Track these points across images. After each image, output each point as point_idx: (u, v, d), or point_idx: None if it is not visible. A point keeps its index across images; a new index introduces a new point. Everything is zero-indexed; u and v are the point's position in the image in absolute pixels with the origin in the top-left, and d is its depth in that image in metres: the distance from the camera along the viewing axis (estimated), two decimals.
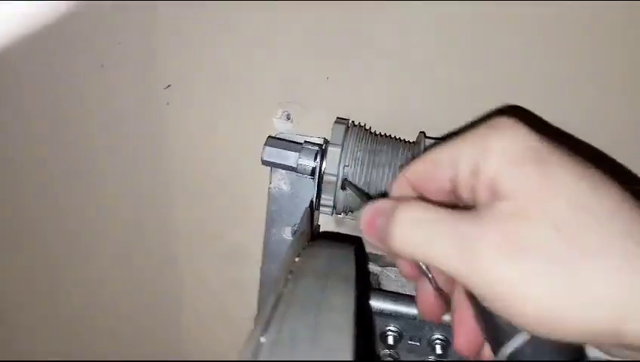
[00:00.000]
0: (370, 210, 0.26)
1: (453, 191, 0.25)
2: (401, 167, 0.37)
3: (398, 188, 0.27)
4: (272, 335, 0.22)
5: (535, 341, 0.23)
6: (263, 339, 0.22)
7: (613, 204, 0.22)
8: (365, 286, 0.31)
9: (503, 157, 0.23)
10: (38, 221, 0.50)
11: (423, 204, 0.24)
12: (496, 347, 0.25)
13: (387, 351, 0.39)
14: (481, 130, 0.24)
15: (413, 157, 0.38)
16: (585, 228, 0.21)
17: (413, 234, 0.24)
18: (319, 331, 0.22)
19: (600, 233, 0.21)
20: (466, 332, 0.26)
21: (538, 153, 0.22)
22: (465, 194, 0.25)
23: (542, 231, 0.21)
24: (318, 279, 0.26)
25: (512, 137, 0.23)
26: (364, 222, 0.26)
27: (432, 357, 0.39)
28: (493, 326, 0.24)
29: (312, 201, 0.40)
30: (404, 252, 0.24)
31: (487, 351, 0.26)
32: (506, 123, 0.23)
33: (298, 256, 0.30)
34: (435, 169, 0.25)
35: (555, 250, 0.21)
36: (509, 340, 0.24)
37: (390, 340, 0.39)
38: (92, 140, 0.46)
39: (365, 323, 0.36)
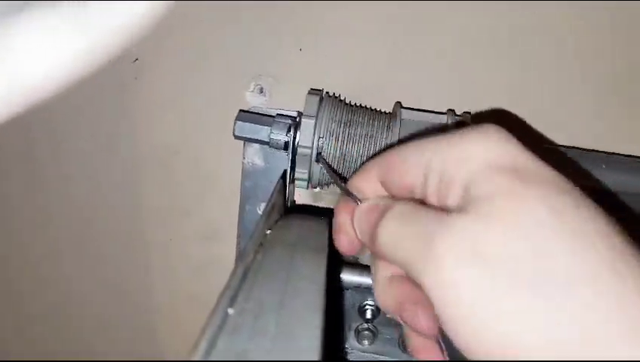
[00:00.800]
0: (367, 205, 0.25)
1: (420, 190, 0.23)
2: (371, 137, 0.37)
3: (365, 177, 0.26)
4: (240, 305, 0.21)
5: None
6: (230, 311, 0.21)
7: (597, 226, 0.19)
8: (337, 258, 0.30)
9: (482, 161, 0.21)
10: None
11: (410, 204, 0.23)
12: None
13: (365, 325, 0.39)
14: (458, 135, 0.22)
15: (389, 128, 0.37)
16: (563, 250, 0.18)
17: (389, 232, 0.22)
18: (287, 298, 0.21)
19: (583, 258, 0.18)
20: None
21: (519, 161, 0.20)
22: (432, 197, 0.23)
23: (510, 241, 0.18)
24: (288, 249, 0.26)
25: (494, 144, 0.21)
26: (359, 214, 0.25)
27: None
28: None
29: (284, 173, 0.39)
30: (381, 250, 0.23)
31: None
32: (488, 129, 0.21)
33: (269, 229, 0.29)
34: (404, 166, 0.24)
35: (519, 267, 0.18)
36: None
37: (368, 314, 0.38)
38: (57, 117, 0.44)
39: (335, 294, 0.35)
